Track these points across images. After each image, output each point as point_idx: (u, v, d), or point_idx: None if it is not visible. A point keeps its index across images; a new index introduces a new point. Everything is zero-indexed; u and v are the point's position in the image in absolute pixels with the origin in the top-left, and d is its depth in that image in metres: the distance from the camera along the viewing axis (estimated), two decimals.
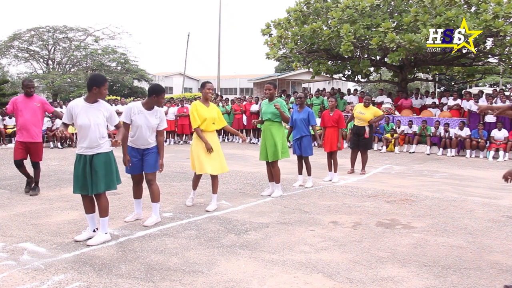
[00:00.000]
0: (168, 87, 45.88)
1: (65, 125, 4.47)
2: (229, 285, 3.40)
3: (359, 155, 8.98)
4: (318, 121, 10.40)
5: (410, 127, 13.67)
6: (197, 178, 5.86)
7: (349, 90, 20.20)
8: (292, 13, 16.06)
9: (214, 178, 5.76)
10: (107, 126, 4.42)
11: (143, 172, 5.02)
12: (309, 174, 7.43)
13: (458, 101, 14.21)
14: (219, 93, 22.28)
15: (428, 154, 12.79)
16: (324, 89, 18.15)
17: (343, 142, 8.40)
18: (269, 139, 6.47)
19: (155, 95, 4.84)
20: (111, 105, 15.40)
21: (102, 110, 4.30)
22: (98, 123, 4.24)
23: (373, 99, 18.78)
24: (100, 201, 4.34)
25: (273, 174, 6.63)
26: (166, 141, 15.33)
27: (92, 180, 4.25)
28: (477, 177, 8.87)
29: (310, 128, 7.26)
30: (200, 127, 5.57)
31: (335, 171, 8.05)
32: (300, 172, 7.58)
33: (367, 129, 8.72)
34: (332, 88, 18.45)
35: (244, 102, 16.54)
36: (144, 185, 5.12)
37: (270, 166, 6.65)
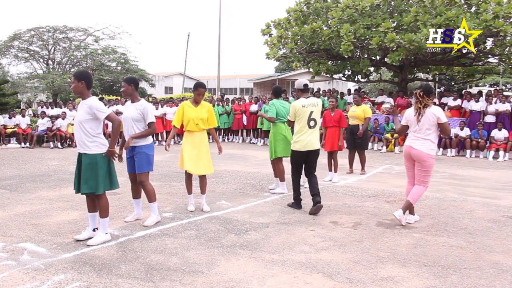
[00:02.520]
0: (168, 87, 45.85)
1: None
2: (229, 285, 3.40)
3: (357, 155, 8.97)
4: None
5: None
6: (188, 180, 5.68)
7: (349, 90, 20.20)
8: (292, 13, 16.05)
9: (201, 178, 5.67)
10: (105, 124, 4.41)
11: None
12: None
13: (458, 101, 14.21)
14: (219, 93, 22.21)
15: None
16: (319, 89, 18.13)
17: (344, 142, 8.38)
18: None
19: (133, 85, 4.90)
20: (112, 105, 15.40)
21: (85, 106, 4.24)
22: (80, 119, 4.23)
23: (372, 99, 18.84)
24: (99, 202, 4.33)
25: (278, 171, 6.85)
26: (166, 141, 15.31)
27: (78, 179, 4.30)
28: (477, 177, 8.87)
29: None
30: (186, 127, 5.54)
31: (335, 171, 8.04)
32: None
33: (360, 128, 8.69)
34: (329, 89, 18.43)
35: (247, 101, 16.53)
36: None
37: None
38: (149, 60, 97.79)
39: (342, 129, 8.05)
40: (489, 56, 15.08)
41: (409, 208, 5.16)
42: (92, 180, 4.20)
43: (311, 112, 5.58)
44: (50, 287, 3.34)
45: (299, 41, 15.77)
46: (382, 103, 15.80)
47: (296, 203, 5.84)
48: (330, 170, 8.12)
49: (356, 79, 18.55)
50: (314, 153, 5.70)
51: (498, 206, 6.19)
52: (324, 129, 8.19)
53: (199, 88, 5.54)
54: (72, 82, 4.31)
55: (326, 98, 15.92)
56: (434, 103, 5.23)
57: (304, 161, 5.71)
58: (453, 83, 22.21)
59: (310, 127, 5.59)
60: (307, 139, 5.57)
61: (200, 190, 5.70)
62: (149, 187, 5.00)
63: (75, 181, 4.35)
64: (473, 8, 13.38)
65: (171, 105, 15.73)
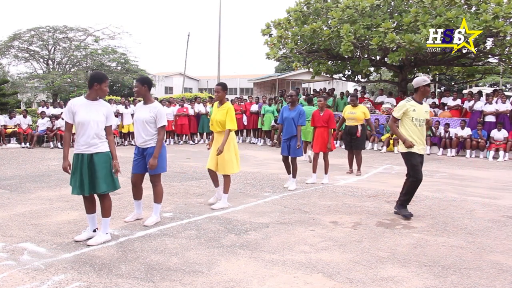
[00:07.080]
0: (168, 87, 45.84)
1: (68, 126, 4.25)
2: (229, 285, 3.40)
3: None
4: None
5: None
6: (210, 175, 6.07)
7: (347, 91, 20.16)
8: (292, 13, 16.07)
9: (223, 178, 5.88)
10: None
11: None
12: (294, 176, 7.24)
13: (458, 101, 14.22)
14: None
15: (428, 154, 12.78)
16: (323, 88, 18.15)
17: (333, 143, 8.27)
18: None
19: (147, 85, 4.91)
20: (114, 105, 15.40)
21: (102, 108, 4.25)
22: (98, 120, 4.18)
23: (372, 98, 18.84)
24: (104, 201, 4.31)
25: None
26: (166, 141, 15.31)
27: (90, 180, 4.15)
28: (477, 177, 8.87)
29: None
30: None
31: (325, 172, 7.83)
32: (288, 172, 7.36)
33: (359, 128, 8.64)
34: (323, 88, 18.44)
35: (247, 101, 16.51)
36: (146, 185, 5.11)
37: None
38: (149, 60, 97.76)
39: (330, 130, 7.74)
40: (489, 56, 15.09)
41: None
42: (109, 178, 4.23)
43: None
44: (50, 287, 3.34)
45: (299, 41, 15.79)
46: (382, 103, 15.83)
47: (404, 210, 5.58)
48: (314, 171, 7.79)
49: (356, 79, 18.56)
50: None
51: (498, 206, 6.19)
52: (313, 129, 7.98)
53: (215, 86, 5.87)
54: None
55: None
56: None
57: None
58: (453, 83, 22.21)
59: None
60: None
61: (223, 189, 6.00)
62: (159, 188, 5.04)
63: (84, 183, 4.15)
64: (473, 8, 13.39)
65: (169, 105, 15.71)
